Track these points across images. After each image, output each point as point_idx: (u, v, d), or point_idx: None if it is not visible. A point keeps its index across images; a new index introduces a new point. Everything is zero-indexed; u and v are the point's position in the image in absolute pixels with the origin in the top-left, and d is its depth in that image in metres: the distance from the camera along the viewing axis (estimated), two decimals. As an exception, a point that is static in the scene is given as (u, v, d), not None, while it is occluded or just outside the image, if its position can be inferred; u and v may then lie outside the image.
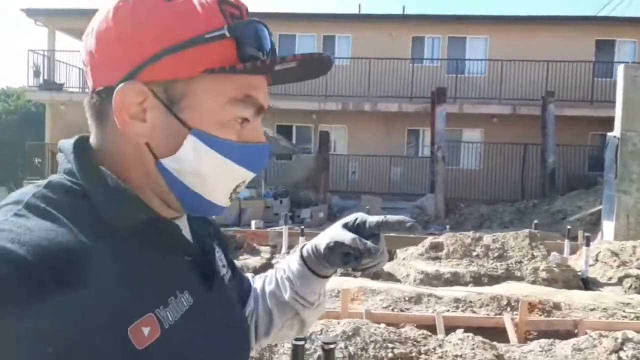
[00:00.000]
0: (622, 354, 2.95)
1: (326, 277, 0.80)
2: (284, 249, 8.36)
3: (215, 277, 0.66)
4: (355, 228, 0.74)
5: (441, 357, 3.05)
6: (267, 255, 8.12)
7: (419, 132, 14.88)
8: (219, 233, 0.78)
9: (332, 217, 12.30)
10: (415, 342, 3.19)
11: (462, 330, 3.48)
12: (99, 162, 0.59)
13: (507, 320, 4.52)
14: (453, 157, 14.23)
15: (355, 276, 6.92)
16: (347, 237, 0.72)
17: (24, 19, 15.85)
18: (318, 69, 0.62)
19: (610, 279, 7.13)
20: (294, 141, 14.53)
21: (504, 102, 13.75)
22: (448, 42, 14.93)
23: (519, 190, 13.33)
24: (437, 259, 7.68)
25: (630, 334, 3.15)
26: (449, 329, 4.50)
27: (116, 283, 0.53)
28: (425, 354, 3.08)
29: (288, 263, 0.82)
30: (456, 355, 3.06)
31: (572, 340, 3.15)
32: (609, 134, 9.60)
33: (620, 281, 6.96)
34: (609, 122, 9.47)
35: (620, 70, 9.43)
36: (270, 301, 0.82)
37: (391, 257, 8.53)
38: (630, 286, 6.82)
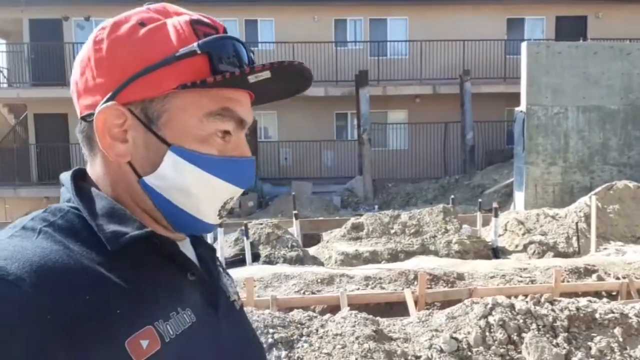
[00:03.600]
0: (490, 318, 3.13)
1: None
2: (209, 241, 8.23)
3: (220, 299, 0.66)
4: None
5: (321, 337, 3.11)
6: (189, 249, 7.97)
7: (347, 115, 15.05)
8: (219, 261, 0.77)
9: (263, 205, 12.26)
10: (299, 325, 3.24)
11: (348, 308, 3.57)
12: (94, 186, 0.62)
13: (408, 294, 4.71)
14: (380, 138, 14.53)
15: (274, 263, 6.96)
16: None
17: None
18: (299, 82, 0.63)
19: (517, 246, 7.60)
20: (221, 130, 14.25)
21: (424, 83, 14.14)
22: (370, 24, 15.11)
23: (442, 167, 13.85)
24: (358, 239, 7.85)
25: (500, 298, 3.36)
26: (356, 308, 4.64)
27: (111, 297, 0.54)
28: (308, 335, 3.14)
29: None
30: (336, 334, 3.14)
31: (447, 310, 3.31)
32: (516, 109, 10.13)
33: (525, 248, 7.45)
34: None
35: (523, 47, 9.93)
36: None
37: (317, 241, 8.64)
38: (534, 252, 7.30)
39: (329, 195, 12.39)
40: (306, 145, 14.37)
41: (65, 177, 0.64)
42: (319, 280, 5.67)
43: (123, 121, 0.59)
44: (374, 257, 7.31)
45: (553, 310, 3.10)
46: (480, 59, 14.07)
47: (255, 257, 7.13)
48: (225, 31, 0.62)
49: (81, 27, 14.37)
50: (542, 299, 3.23)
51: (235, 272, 5.69)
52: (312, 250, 7.93)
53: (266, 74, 0.58)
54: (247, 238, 6.96)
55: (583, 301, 3.21)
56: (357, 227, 8.02)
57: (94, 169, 0.63)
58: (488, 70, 14.14)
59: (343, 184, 12.90)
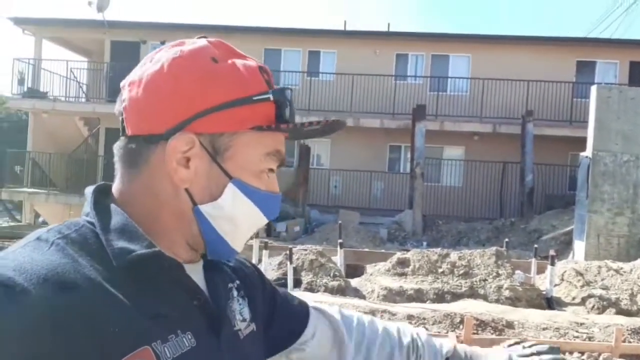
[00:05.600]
0: (540, 373, 2.90)
1: None
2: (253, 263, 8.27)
3: (223, 326, 0.66)
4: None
5: (357, 373, 2.99)
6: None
7: (400, 148, 14.92)
8: (250, 284, 0.76)
9: (309, 231, 12.25)
10: None
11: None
12: (115, 203, 0.63)
13: (452, 338, 4.47)
14: (434, 173, 14.25)
15: (316, 291, 6.87)
16: None
17: (11, 28, 15.95)
18: (333, 128, 0.70)
19: (574, 298, 7.09)
20: (276, 154, 14.52)
21: (484, 121, 13.82)
22: (431, 60, 15.07)
23: (497, 208, 13.33)
24: (403, 275, 7.62)
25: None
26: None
27: (112, 314, 0.54)
28: (343, 369, 3.03)
29: (427, 356, 0.85)
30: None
31: None
32: (581, 154, 9.64)
33: (583, 301, 6.93)
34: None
35: (593, 91, 9.52)
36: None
37: (360, 272, 8.48)
38: (593, 306, 6.78)
39: (376, 227, 12.21)
40: (357, 175, 14.34)
41: (88, 190, 0.66)
42: (359, 313, 5.53)
43: (189, 148, 0.61)
44: (418, 296, 7.05)
45: (612, 372, 2.83)
46: (545, 100, 13.62)
47: (297, 283, 7.08)
48: (273, 77, 0.68)
49: (156, 50, 15.30)
50: (600, 359, 2.96)
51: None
52: (354, 282, 7.78)
53: (317, 126, 0.66)
54: (291, 263, 6.94)
55: (648, 367, 2.91)
56: (403, 263, 7.80)
57: (129, 187, 0.64)
58: (553, 112, 13.64)
59: (391, 216, 12.68)
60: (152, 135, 0.62)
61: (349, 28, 17.08)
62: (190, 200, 0.62)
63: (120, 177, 0.65)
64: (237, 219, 0.64)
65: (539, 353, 0.79)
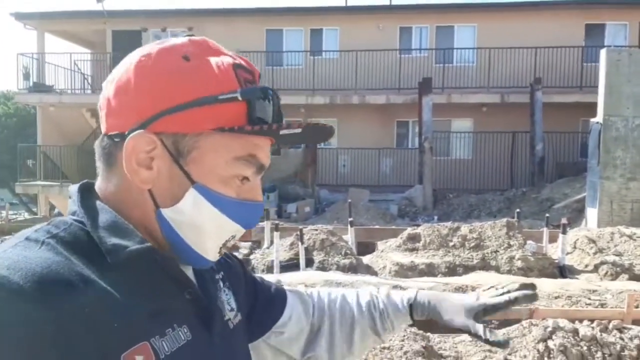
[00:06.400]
0: (550, 342, 2.93)
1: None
2: (265, 244, 8.38)
3: (215, 319, 0.67)
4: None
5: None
6: (246, 251, 8.15)
7: (408, 124, 14.80)
8: (234, 276, 0.78)
9: (319, 211, 12.31)
10: (346, 335, 3.19)
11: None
12: (101, 200, 0.63)
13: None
14: (443, 147, 14.14)
15: (328, 270, 6.94)
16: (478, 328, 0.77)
17: (13, 23, 15.95)
18: (320, 134, 0.66)
19: (586, 266, 7.08)
20: (283, 136, 14.50)
21: (492, 91, 13.61)
22: (436, 32, 14.80)
23: (508, 178, 13.24)
24: (414, 250, 7.65)
25: (562, 322, 3.13)
26: (407, 321, 4.51)
27: (110, 310, 0.55)
28: (354, 346, 3.08)
29: (390, 308, 0.85)
30: (384, 347, 3.07)
31: (502, 330, 3.13)
32: (592, 119, 9.49)
33: (596, 268, 6.91)
34: (597, 108, 9.36)
35: (602, 54, 9.30)
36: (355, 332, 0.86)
37: (372, 249, 8.53)
38: (606, 273, 6.76)
39: (386, 204, 12.22)
40: (365, 153, 14.29)
41: (73, 189, 0.65)
42: (371, 290, 5.58)
43: (152, 148, 0.60)
44: (430, 270, 7.08)
45: (622, 338, 2.84)
46: (554, 67, 13.34)
47: (309, 263, 7.15)
48: (259, 77, 0.64)
49: (158, 38, 15.24)
50: (610, 326, 2.97)
51: (288, 277, 5.75)
52: (366, 259, 7.84)
53: (297, 130, 0.61)
54: (302, 243, 7.00)
55: (658, 331, 2.91)
56: (413, 238, 7.83)
57: (107, 185, 0.64)
58: (562, 78, 13.36)
59: (401, 192, 12.67)
60: (119, 134, 0.61)
61: (350, 3, 16.80)
62: (153, 203, 0.61)
63: (100, 175, 0.65)
64: (203, 226, 0.61)
65: (509, 291, 0.78)
